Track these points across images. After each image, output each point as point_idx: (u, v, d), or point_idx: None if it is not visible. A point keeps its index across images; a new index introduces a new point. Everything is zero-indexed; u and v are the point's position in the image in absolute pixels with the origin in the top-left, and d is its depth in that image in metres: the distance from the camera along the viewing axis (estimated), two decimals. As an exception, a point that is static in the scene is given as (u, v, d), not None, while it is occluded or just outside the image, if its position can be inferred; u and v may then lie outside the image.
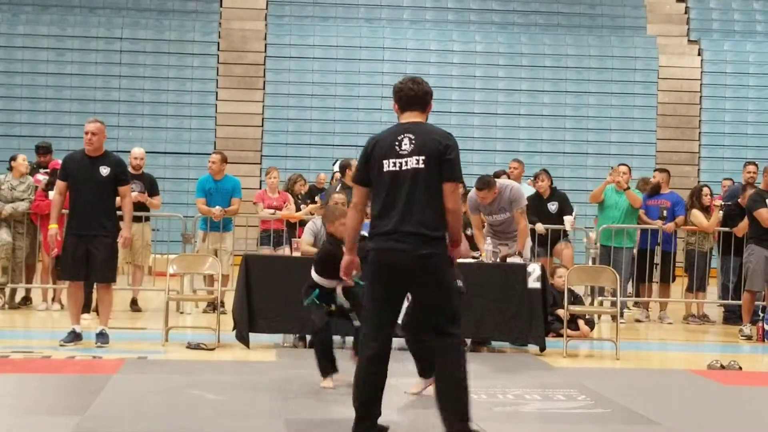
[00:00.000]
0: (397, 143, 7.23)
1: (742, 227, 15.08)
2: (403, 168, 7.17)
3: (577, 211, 17.00)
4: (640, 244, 15.78)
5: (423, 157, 7.15)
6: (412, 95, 7.46)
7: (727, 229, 15.45)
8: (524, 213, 12.69)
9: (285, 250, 15.02)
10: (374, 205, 7.28)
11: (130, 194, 12.03)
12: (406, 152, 7.19)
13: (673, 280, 16.27)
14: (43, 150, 15.96)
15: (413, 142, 7.21)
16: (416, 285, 7.14)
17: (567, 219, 15.54)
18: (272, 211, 15.70)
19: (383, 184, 7.20)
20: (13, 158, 15.23)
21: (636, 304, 16.59)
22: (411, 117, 7.40)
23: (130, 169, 14.39)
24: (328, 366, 9.39)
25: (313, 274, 9.65)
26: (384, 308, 7.21)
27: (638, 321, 15.81)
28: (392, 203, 7.15)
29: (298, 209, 16.40)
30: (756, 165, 16.65)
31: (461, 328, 7.32)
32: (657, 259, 16.04)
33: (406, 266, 7.06)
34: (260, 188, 25.75)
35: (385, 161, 7.22)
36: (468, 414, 6.97)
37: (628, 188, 15.56)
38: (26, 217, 14.98)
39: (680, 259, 16.57)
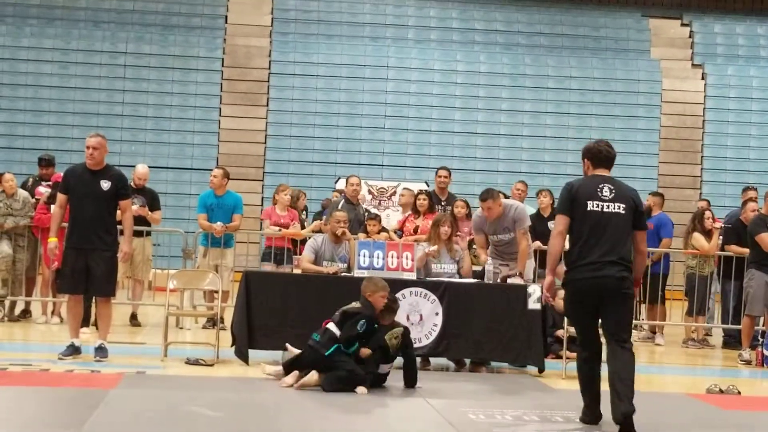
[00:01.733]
0: (598, 189, 8.93)
1: (736, 249, 15.14)
2: (605, 210, 8.89)
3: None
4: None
5: (623, 206, 8.91)
6: (609, 156, 9.16)
7: (728, 253, 15.43)
8: (527, 233, 12.68)
9: (287, 269, 15.00)
10: (576, 235, 9.02)
11: (130, 208, 12.03)
12: (607, 198, 8.91)
13: (663, 302, 16.26)
14: (46, 162, 15.97)
15: (613, 191, 8.95)
16: (611, 302, 8.80)
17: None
18: (278, 228, 15.62)
19: (587, 220, 8.90)
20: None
21: (634, 327, 16.59)
22: (601, 172, 9.10)
23: (131, 184, 14.42)
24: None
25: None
26: (591, 321, 8.98)
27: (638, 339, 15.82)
28: (597, 237, 8.88)
29: (302, 226, 16.34)
30: (756, 190, 16.71)
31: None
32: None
33: (609, 286, 8.78)
34: (262, 205, 25.91)
35: (589, 202, 8.90)
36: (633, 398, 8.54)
37: None
38: (27, 230, 14.99)
39: (680, 282, 16.57)
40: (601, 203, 8.90)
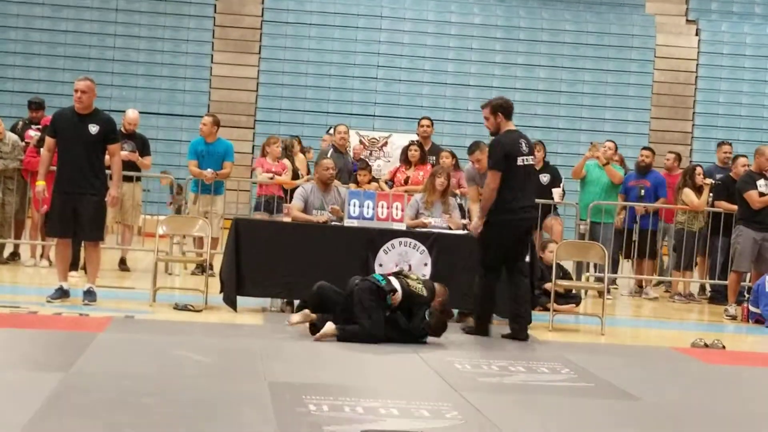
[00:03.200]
0: (518, 145, 10.71)
1: (726, 206, 15.19)
2: (526, 163, 10.75)
3: (567, 187, 17.05)
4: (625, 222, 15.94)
5: (532, 156, 10.91)
6: (513, 109, 10.85)
7: (718, 209, 15.46)
8: None
9: (280, 218, 14.98)
10: (508, 187, 10.55)
11: (119, 153, 11.98)
12: (525, 152, 10.75)
13: (654, 257, 16.32)
14: (36, 105, 15.90)
15: (527, 145, 10.82)
16: (526, 238, 11.01)
17: (556, 191, 15.63)
18: (270, 175, 15.60)
19: (517, 174, 10.63)
20: None
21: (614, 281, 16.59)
22: (511, 125, 10.83)
23: (121, 129, 14.39)
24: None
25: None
26: (505, 255, 10.76)
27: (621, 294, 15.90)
28: (524, 188, 10.74)
29: (295, 174, 16.23)
30: (731, 145, 16.79)
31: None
32: (635, 237, 16.17)
33: (531, 227, 11.27)
34: (253, 153, 25.88)
35: (518, 158, 10.65)
36: None
37: (607, 164, 15.63)
38: (17, 173, 14.95)
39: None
40: (523, 157, 10.69)
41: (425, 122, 15.79)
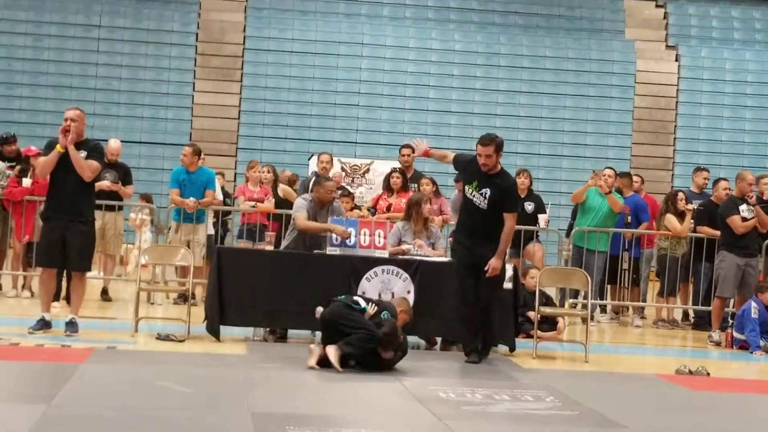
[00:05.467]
0: None
1: (708, 231, 15.21)
2: None
3: (551, 213, 17.05)
4: (612, 249, 15.82)
5: None
6: None
7: (701, 235, 15.47)
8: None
9: (264, 245, 14.90)
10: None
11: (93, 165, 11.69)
12: None
13: (637, 284, 16.29)
14: (5, 141, 15.53)
15: None
16: None
17: (542, 217, 15.64)
18: (252, 203, 15.57)
19: None
20: None
21: (604, 309, 16.54)
22: None
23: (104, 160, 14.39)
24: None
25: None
26: None
27: (598, 322, 15.83)
28: None
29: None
30: (708, 171, 16.80)
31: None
32: (625, 265, 16.12)
33: None
34: (235, 181, 25.82)
35: None
36: None
37: (610, 192, 15.50)
38: (-2, 203, 14.89)
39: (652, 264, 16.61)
40: None
41: (406, 151, 15.73)
